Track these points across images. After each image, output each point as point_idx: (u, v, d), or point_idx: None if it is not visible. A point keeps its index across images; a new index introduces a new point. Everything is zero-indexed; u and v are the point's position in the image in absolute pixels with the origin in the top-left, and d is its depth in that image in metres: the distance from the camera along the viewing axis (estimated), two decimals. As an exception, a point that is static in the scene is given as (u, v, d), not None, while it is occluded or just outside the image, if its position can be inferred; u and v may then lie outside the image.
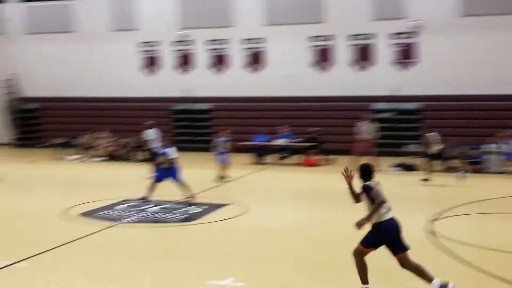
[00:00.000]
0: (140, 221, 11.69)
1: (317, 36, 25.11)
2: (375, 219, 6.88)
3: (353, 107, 23.30)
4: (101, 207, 12.77)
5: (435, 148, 16.04)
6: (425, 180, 15.89)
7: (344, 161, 16.64)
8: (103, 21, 27.63)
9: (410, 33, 23.82)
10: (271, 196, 15.35)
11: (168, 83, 26.91)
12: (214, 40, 26.59)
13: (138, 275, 8.11)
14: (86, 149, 23.34)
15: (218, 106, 26.38)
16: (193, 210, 12.72)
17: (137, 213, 12.40)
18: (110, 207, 12.83)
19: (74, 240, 10.07)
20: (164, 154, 13.81)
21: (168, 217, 12.03)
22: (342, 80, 24.60)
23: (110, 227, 11.18)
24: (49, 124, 28.23)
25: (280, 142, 21.71)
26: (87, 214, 12.21)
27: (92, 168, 21.00)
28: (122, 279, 7.94)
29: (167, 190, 15.13)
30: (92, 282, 7.81)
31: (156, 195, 13.62)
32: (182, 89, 26.32)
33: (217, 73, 26.67)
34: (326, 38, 25.06)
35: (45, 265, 8.67)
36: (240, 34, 26.11)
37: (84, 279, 7.93)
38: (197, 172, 19.40)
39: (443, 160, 17.26)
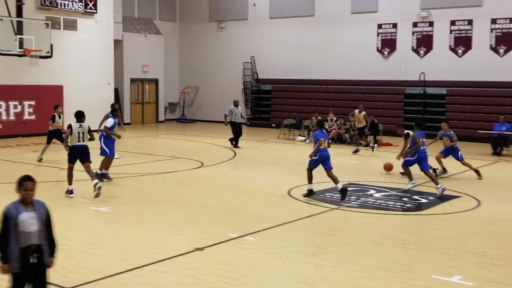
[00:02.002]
0: (362, 206, 11.49)
1: None
2: None
3: None
4: (325, 189, 12.82)
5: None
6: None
7: None
8: (344, 4, 27.73)
9: None
10: (509, 191, 13.98)
11: (403, 66, 26.20)
12: (457, 20, 25.14)
13: (362, 259, 7.92)
14: (313, 131, 23.74)
15: (453, 90, 25.04)
16: (420, 200, 12.17)
17: (360, 198, 12.22)
18: (333, 190, 12.83)
19: (296, 220, 10.23)
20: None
21: (391, 205, 11.65)
22: None
23: (332, 209, 11.16)
24: (279, 105, 29.38)
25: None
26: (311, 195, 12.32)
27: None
28: (346, 261, 7.81)
29: (392, 178, 14.75)
30: (309, 262, 7.81)
31: (380, 182, 13.26)
32: (418, 72, 25.41)
33: (457, 56, 25.19)
34: None
35: (268, 241, 8.91)
36: (488, 13, 24.27)
37: (302, 257, 7.97)
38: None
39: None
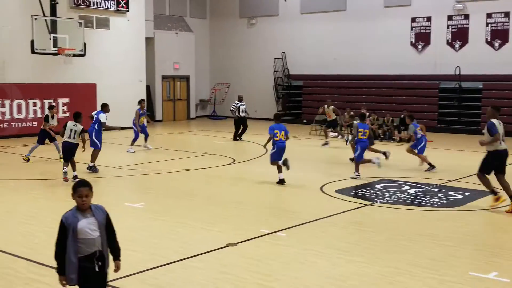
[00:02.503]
0: (396, 202, 11.36)
1: None
2: None
3: None
4: (358, 185, 12.71)
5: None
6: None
7: None
8: (377, -2, 27.53)
9: None
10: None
11: (438, 60, 25.85)
12: (494, 12, 24.67)
13: (396, 256, 7.82)
14: (346, 127, 23.59)
15: (490, 85, 24.60)
16: (454, 195, 11.98)
17: (393, 194, 12.08)
18: (366, 185, 12.71)
19: (329, 216, 10.16)
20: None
21: (425, 200, 11.49)
22: None
23: (365, 205, 11.06)
24: (311, 101, 29.26)
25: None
26: (344, 191, 12.25)
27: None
28: (379, 257, 7.73)
29: (427, 174, 14.57)
30: (341, 258, 7.74)
31: (414, 178, 13.09)
32: (453, 67, 25.04)
33: (493, 49, 24.74)
34: None
35: (300, 236, 8.87)
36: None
37: (334, 253, 7.91)
38: (460, 155, 18.42)
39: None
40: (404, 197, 11.82)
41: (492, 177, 10.68)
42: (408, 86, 26.45)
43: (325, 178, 13.62)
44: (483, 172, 10.63)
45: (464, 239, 8.81)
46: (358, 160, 13.82)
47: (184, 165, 15.89)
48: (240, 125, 21.93)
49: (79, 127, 13.10)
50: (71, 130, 13.05)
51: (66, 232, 4.86)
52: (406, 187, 12.73)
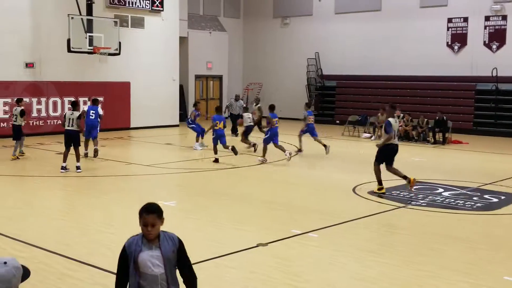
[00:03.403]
0: (430, 205, 11.20)
1: None
2: None
3: None
4: (391, 187, 12.58)
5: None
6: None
7: None
8: (413, -2, 27.22)
9: None
10: None
11: (474, 61, 25.44)
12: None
13: (429, 259, 7.71)
14: (379, 128, 23.38)
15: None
16: (490, 199, 11.76)
17: (427, 196, 11.92)
18: (400, 187, 12.56)
19: (361, 217, 10.07)
20: None
21: (460, 203, 11.30)
22: None
23: (398, 207, 10.93)
24: (344, 102, 29.07)
25: None
26: (376, 193, 12.11)
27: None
28: (411, 260, 7.63)
29: (462, 176, 14.36)
30: (373, 260, 7.66)
31: (449, 180, 12.89)
32: (489, 68, 24.60)
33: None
34: None
35: (332, 238, 8.81)
36: None
37: (365, 255, 7.83)
38: (497, 158, 18.11)
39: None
40: (438, 199, 11.65)
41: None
42: (443, 87, 26.07)
43: (357, 179, 13.50)
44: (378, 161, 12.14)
45: (499, 243, 8.64)
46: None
47: (215, 164, 15.93)
48: (235, 121, 23.00)
49: (76, 114, 14.09)
50: (69, 118, 14.01)
51: (127, 260, 4.04)
52: (441, 190, 12.55)
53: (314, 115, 19.44)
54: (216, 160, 15.85)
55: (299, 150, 18.16)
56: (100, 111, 16.93)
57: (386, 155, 12.00)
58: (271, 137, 16.37)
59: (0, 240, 8.40)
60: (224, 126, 16.10)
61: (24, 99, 19.13)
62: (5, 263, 3.08)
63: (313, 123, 18.10)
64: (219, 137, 16.01)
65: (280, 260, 7.64)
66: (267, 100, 32.73)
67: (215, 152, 16.01)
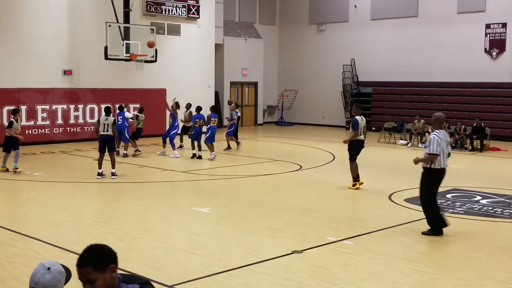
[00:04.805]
0: (467, 213, 11.01)
1: None
2: None
3: None
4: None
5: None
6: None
7: None
8: (450, 4, 26.80)
9: None
10: None
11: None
12: None
13: (467, 268, 7.57)
14: (415, 135, 23.13)
15: None
16: (530, 207, 11.50)
17: (464, 204, 11.72)
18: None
19: (397, 225, 9.95)
20: None
21: (498, 211, 11.08)
22: None
23: (435, 215, 10.74)
24: (380, 108, 28.82)
25: None
26: (413, 200, 11.97)
27: (419, 154, 20.65)
28: (449, 269, 7.50)
29: (500, 184, 14.10)
30: (409, 268, 7.55)
31: (487, 188, 12.65)
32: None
33: None
34: None
35: (367, 245, 8.73)
36: None
37: (402, 263, 7.73)
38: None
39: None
40: (476, 207, 11.45)
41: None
42: (481, 94, 25.65)
43: (393, 186, 13.36)
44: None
45: (540, 254, 8.44)
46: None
47: (250, 171, 15.95)
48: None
49: (111, 119, 14.47)
50: (104, 124, 14.35)
51: None
52: (478, 197, 12.33)
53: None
54: (195, 156, 17.90)
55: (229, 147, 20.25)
56: (128, 115, 18.22)
57: (353, 150, 13.20)
58: (197, 135, 17.95)
59: (39, 246, 8.54)
60: (204, 124, 17.97)
61: (62, 106, 19.45)
62: (48, 268, 3.05)
63: (216, 127, 18.31)
64: (198, 133, 17.91)
65: (315, 268, 7.59)
66: (304, 106, 32.75)
67: (200, 149, 17.97)
